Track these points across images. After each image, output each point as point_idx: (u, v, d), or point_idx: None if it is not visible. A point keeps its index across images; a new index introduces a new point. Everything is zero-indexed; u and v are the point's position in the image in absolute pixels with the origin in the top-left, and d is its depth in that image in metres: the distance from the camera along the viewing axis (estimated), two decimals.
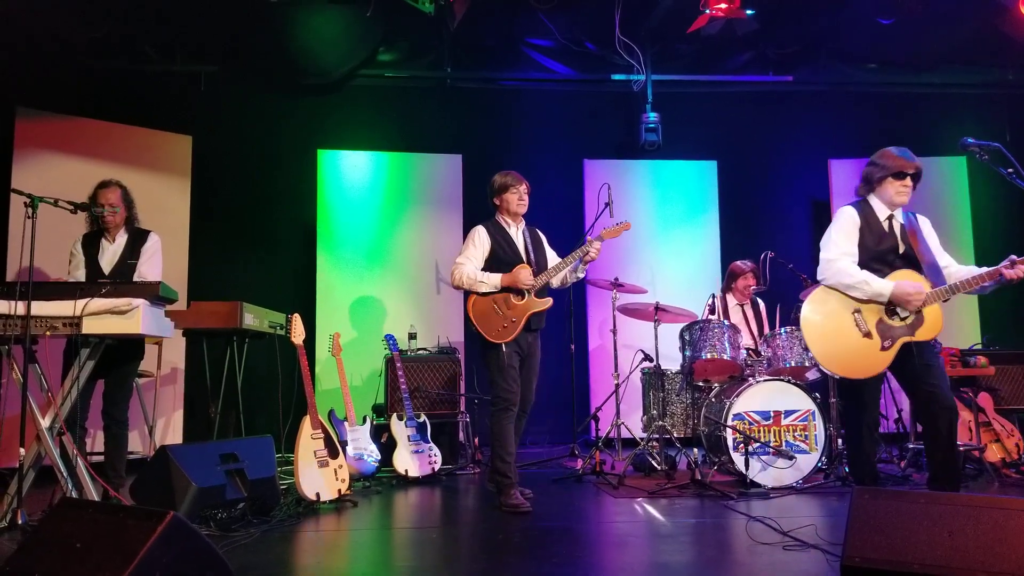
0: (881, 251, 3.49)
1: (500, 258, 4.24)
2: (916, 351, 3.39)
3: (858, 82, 7.54)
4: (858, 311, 3.43)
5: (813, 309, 3.52)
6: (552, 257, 4.44)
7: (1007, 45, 6.78)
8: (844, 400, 3.69)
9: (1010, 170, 3.25)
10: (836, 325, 3.45)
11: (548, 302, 4.24)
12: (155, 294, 3.62)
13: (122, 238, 4.27)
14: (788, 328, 4.86)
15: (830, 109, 7.57)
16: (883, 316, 3.42)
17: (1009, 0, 6.14)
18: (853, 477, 3.73)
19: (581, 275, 4.43)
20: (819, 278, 3.54)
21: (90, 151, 6.07)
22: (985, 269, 3.37)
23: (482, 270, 4.22)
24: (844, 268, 3.44)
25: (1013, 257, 3.30)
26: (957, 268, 3.52)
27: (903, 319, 3.40)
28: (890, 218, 3.55)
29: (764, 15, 6.54)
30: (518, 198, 4.32)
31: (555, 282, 4.36)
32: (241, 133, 7.05)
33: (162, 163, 6.40)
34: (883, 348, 3.38)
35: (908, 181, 3.48)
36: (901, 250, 3.50)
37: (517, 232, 4.36)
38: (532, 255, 4.31)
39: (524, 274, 4.15)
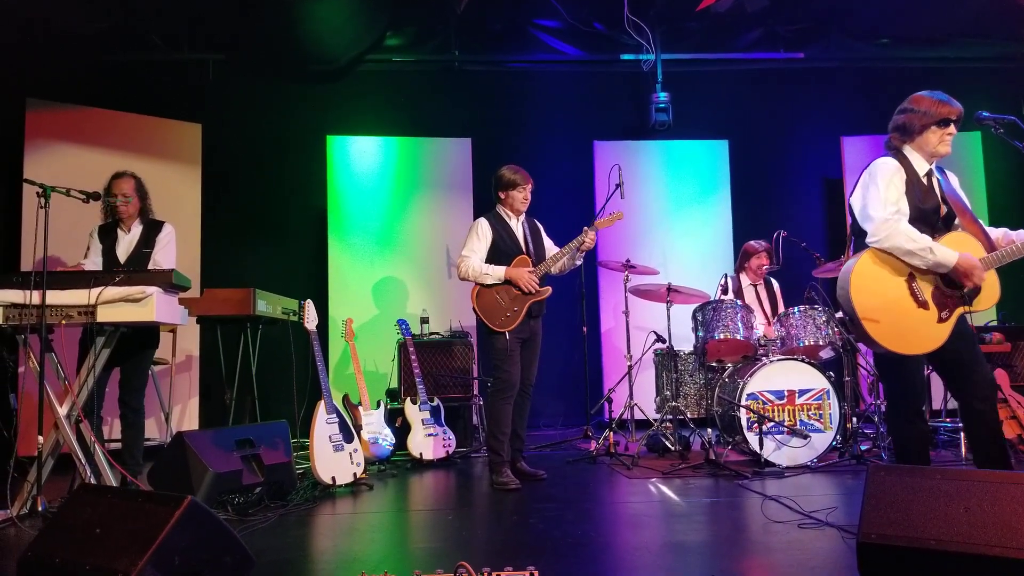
0: (926, 210, 3.09)
1: (501, 249, 4.41)
2: (959, 326, 3.03)
3: (870, 58, 7.44)
4: (913, 278, 3.04)
5: (863, 276, 3.07)
6: (550, 247, 4.63)
7: (1021, 18, 6.67)
8: (885, 380, 3.26)
9: None
10: (891, 294, 3.03)
11: (547, 291, 4.42)
12: (168, 282, 3.64)
13: (137, 228, 4.29)
14: (802, 307, 4.84)
15: (842, 86, 7.49)
16: (939, 284, 3.04)
17: None
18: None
19: (579, 263, 4.59)
20: (870, 240, 3.08)
21: (100, 140, 6.10)
22: None
23: (484, 261, 4.39)
24: (905, 230, 3.01)
25: None
26: (995, 231, 3.15)
27: (959, 287, 3.03)
28: (929, 174, 3.16)
29: None
30: (523, 197, 4.49)
31: (554, 270, 4.52)
32: (250, 120, 7.05)
33: (172, 151, 6.42)
34: (940, 320, 3.01)
35: (952, 128, 3.11)
36: (943, 211, 3.12)
37: (517, 224, 4.53)
38: (531, 246, 4.50)
39: (527, 277, 4.30)
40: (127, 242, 4.25)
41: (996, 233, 3.13)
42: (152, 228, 4.31)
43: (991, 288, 3.05)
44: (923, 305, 3.03)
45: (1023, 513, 2.15)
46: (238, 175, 6.96)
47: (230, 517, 3.47)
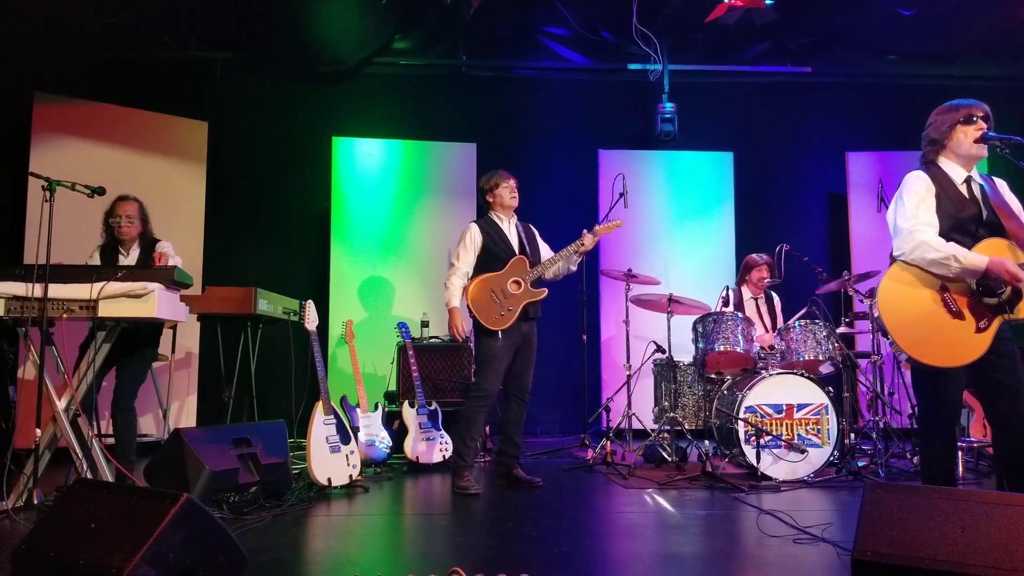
0: (962, 219, 3.00)
1: (494, 253, 4.40)
2: (998, 340, 2.93)
3: (877, 74, 7.46)
4: (944, 288, 2.95)
5: (892, 290, 3.00)
6: (545, 251, 4.62)
7: None
8: (919, 393, 3.13)
9: None
10: (922, 307, 2.94)
11: (543, 292, 4.41)
12: (170, 279, 3.65)
13: (135, 252, 4.28)
14: (802, 321, 4.84)
15: (848, 101, 7.50)
16: (974, 293, 2.95)
17: None
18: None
19: (574, 268, 4.60)
20: (896, 253, 3.03)
21: (107, 136, 6.11)
22: None
23: (476, 266, 4.41)
24: (927, 240, 2.93)
25: None
26: None
27: (997, 295, 2.93)
28: (968, 180, 3.08)
29: (783, 5, 6.47)
30: (510, 192, 4.50)
31: (549, 274, 4.50)
32: (256, 120, 7.06)
33: (178, 149, 6.43)
34: (979, 329, 2.91)
35: (981, 124, 3.05)
36: (984, 216, 3.02)
37: (510, 226, 4.52)
38: (527, 248, 4.49)
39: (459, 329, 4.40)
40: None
41: None
42: (150, 249, 4.26)
43: None
44: (958, 315, 2.93)
45: (1019, 535, 2.15)
46: (243, 174, 6.97)
47: (225, 516, 3.46)
